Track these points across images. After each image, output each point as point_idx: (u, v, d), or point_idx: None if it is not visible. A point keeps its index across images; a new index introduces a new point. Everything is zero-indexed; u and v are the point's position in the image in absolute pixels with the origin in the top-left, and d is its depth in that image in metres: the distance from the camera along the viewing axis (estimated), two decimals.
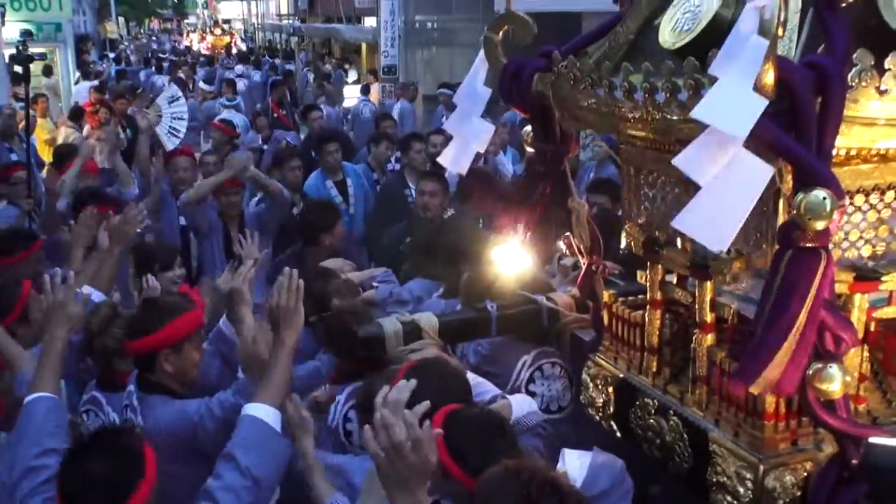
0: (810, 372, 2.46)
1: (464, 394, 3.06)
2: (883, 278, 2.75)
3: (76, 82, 19.91)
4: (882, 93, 2.41)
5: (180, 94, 8.90)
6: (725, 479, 2.80)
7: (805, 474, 2.73)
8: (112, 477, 2.55)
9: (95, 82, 17.10)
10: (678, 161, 2.35)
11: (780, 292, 2.32)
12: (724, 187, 2.29)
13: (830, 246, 2.43)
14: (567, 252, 3.85)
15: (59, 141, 11.06)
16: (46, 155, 11.05)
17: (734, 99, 2.18)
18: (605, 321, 3.52)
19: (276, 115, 13.93)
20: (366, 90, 17.33)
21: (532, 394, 3.89)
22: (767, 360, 2.41)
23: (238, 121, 13.21)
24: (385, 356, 3.69)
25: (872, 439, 2.36)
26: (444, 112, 13.05)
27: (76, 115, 12.59)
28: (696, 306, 3.00)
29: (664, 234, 3.11)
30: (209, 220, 6.41)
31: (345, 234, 6.27)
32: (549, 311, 3.97)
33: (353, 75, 23.54)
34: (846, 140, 2.46)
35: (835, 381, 2.45)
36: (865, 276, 2.73)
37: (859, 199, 2.72)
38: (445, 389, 3.01)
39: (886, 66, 2.40)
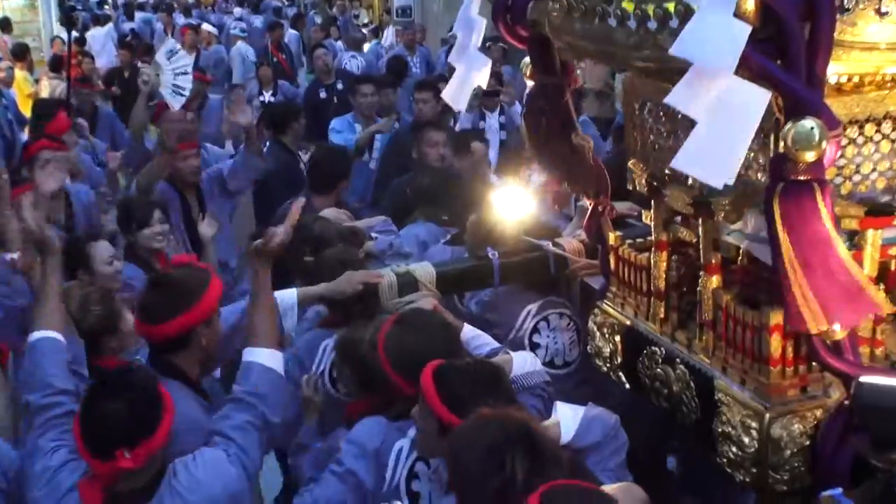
0: None
1: (452, 345, 3.32)
2: None
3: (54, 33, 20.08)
4: (882, 15, 2.60)
5: (179, 46, 8.94)
6: (730, 428, 3.03)
7: (815, 422, 2.95)
8: (132, 415, 2.88)
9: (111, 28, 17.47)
10: (670, 99, 2.55)
11: (776, 230, 2.53)
12: (721, 119, 2.48)
13: (829, 178, 2.64)
14: (573, 192, 4.06)
15: (44, 94, 11.17)
16: (28, 111, 11.08)
17: (715, 30, 2.37)
18: (612, 265, 3.75)
19: (275, 59, 14.00)
20: (375, 34, 17.42)
21: (536, 345, 4.14)
22: (796, 304, 2.62)
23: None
24: (379, 308, 3.95)
25: (866, 379, 2.57)
26: None
27: (57, 64, 12.67)
28: (701, 247, 3.22)
29: (668, 171, 3.31)
30: (160, 192, 6.34)
31: (360, 193, 6.52)
32: (557, 257, 4.20)
33: (364, 17, 23.35)
34: (845, 66, 2.66)
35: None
36: (878, 210, 2.92)
37: (870, 129, 2.91)
38: (433, 340, 3.29)
39: None
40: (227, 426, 3.18)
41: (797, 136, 2.44)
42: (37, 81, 12.80)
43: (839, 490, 2.51)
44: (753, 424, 2.97)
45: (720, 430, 3.08)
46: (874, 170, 2.96)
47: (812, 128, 2.43)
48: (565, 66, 3.73)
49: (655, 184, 3.40)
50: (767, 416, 2.94)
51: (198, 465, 3.05)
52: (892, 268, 3.16)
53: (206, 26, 16.43)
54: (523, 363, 3.59)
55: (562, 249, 4.22)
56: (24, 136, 9.03)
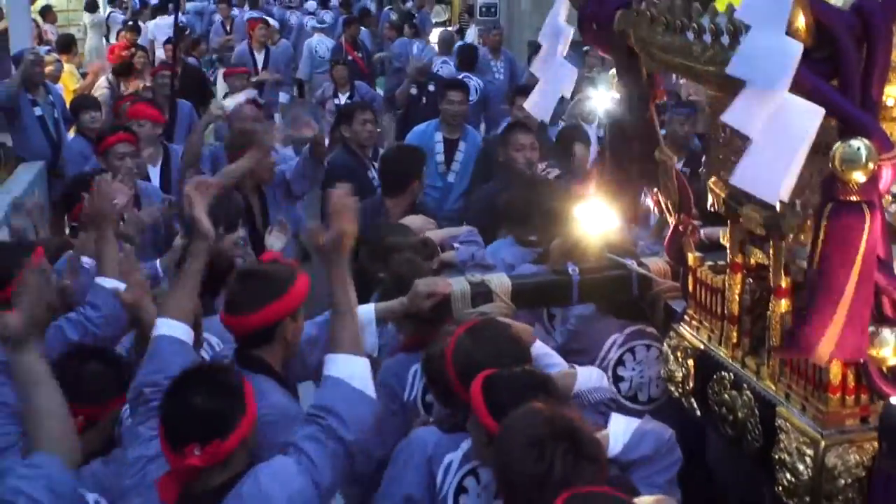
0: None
1: (517, 358, 3.61)
2: None
3: (107, 17, 20.45)
4: None
5: (256, 94, 9.29)
6: (787, 455, 3.27)
7: (873, 454, 3.17)
8: (214, 410, 3.11)
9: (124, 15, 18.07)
10: (726, 117, 2.86)
11: (823, 250, 2.79)
12: (775, 136, 2.77)
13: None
14: (656, 209, 4.33)
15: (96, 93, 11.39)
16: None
17: (767, 48, 2.66)
18: (690, 287, 4.02)
19: (350, 57, 13.96)
20: (461, 34, 17.29)
21: (619, 378, 4.37)
22: (823, 326, 2.89)
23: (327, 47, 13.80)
24: (451, 318, 4.27)
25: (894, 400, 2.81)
26: None
27: (124, 71, 12.60)
28: (771, 269, 3.47)
29: (743, 190, 3.57)
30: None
31: (433, 208, 6.81)
32: (640, 277, 4.46)
33: (440, 14, 22.96)
34: None
35: (887, 346, 2.91)
36: None
37: None
38: (498, 352, 3.60)
39: None
40: (298, 437, 3.31)
41: (844, 155, 2.70)
42: (83, 76, 13.03)
43: None
44: (809, 452, 3.20)
45: (778, 456, 3.32)
46: None
47: (859, 148, 2.69)
48: (651, 78, 4.04)
49: (733, 203, 3.66)
50: (823, 443, 3.17)
51: (266, 473, 3.19)
52: None
53: (270, 21, 16.33)
54: (588, 378, 3.87)
55: (647, 269, 4.48)
56: (70, 134, 9.57)
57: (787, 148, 2.78)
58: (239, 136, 7.00)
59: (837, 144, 2.73)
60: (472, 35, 17.54)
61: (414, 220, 5.55)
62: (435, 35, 16.25)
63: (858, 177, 2.74)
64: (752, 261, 3.69)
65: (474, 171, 7.93)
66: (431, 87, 10.86)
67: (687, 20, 3.37)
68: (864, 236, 2.76)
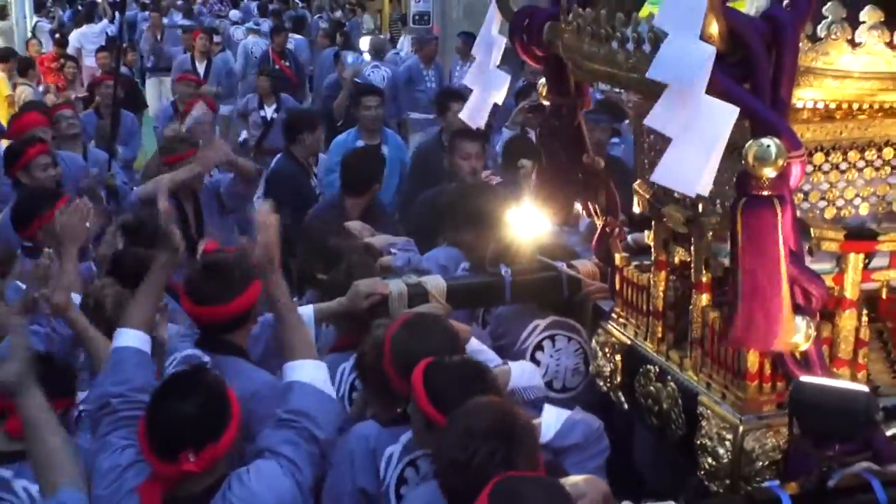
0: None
1: (452, 349, 3.78)
2: (880, 238, 3.41)
3: (33, 26, 20.33)
4: (855, 45, 3.08)
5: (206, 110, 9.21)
6: (708, 440, 3.47)
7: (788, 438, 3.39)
8: (201, 418, 3.17)
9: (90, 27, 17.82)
10: (649, 120, 3.07)
11: (741, 243, 3.01)
12: (693, 134, 2.98)
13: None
14: (583, 213, 4.54)
15: (21, 100, 11.50)
16: (4, 117, 11.31)
17: (683, 52, 2.87)
18: (617, 285, 4.22)
19: (277, 66, 13.94)
20: (393, 42, 17.33)
21: (536, 362, 4.56)
22: (745, 318, 3.10)
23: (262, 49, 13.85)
24: (388, 318, 4.44)
25: (805, 378, 3.03)
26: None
27: (26, 68, 13.01)
28: (693, 266, 3.68)
29: (666, 191, 3.79)
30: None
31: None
32: (570, 279, 4.66)
33: (367, 23, 23.12)
34: (817, 93, 3.14)
35: (798, 333, 3.12)
36: (858, 234, 3.38)
37: (854, 156, 3.39)
38: (433, 342, 3.77)
39: (861, 19, 3.09)
40: (273, 442, 3.41)
41: (756, 153, 2.92)
42: (14, 86, 12.90)
43: (776, 482, 2.96)
44: (728, 436, 3.41)
45: (700, 442, 3.52)
46: (857, 195, 3.43)
47: (769, 146, 2.90)
48: (579, 87, 4.24)
49: (656, 204, 3.87)
50: (741, 428, 3.38)
51: (252, 477, 3.29)
52: (883, 295, 3.60)
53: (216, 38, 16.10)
54: (521, 374, 4.05)
55: (576, 271, 4.68)
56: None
57: (705, 145, 2.98)
58: (178, 142, 7.28)
59: (749, 142, 2.94)
60: (405, 44, 17.63)
61: (353, 225, 5.71)
62: (365, 42, 16.33)
63: (769, 172, 2.95)
64: (676, 259, 3.90)
65: (414, 176, 8.10)
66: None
67: (611, 30, 3.57)
68: (777, 228, 2.96)
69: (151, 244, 5.37)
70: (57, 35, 17.78)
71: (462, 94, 8.52)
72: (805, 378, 3.06)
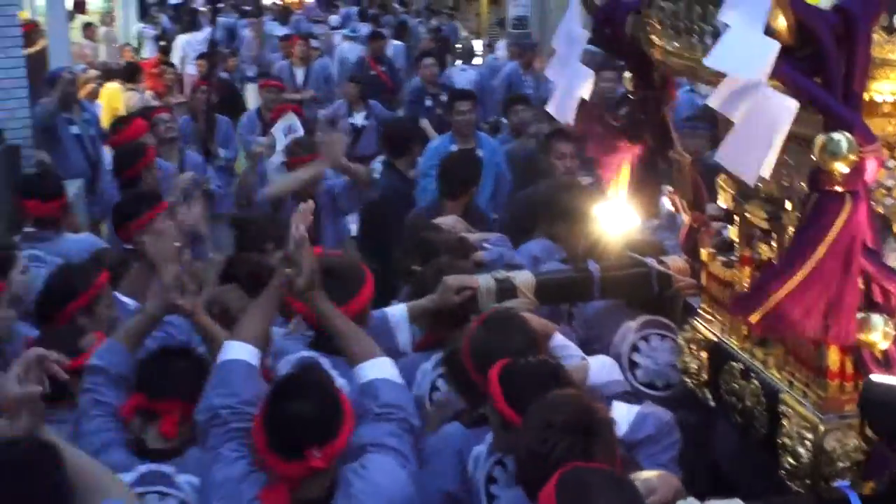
0: None
1: (529, 346, 3.80)
2: None
3: (137, 33, 20.68)
4: None
5: (297, 122, 9.02)
6: (788, 439, 3.43)
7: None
8: (321, 415, 3.22)
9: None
10: (711, 101, 3.04)
11: (798, 233, 2.96)
12: (754, 123, 2.96)
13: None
14: (671, 208, 4.50)
15: (129, 106, 11.68)
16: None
17: (745, 44, 2.84)
18: (703, 281, 4.18)
19: (373, 72, 13.71)
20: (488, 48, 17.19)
21: (635, 364, 4.56)
22: (767, 293, 3.06)
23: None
24: (476, 314, 4.47)
25: (877, 377, 2.96)
26: None
27: (133, 74, 13.09)
28: (777, 261, 3.63)
29: (749, 187, 3.74)
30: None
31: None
32: (660, 275, 4.63)
33: (462, 29, 23.12)
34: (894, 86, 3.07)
35: (875, 331, 3.06)
36: None
37: None
38: (510, 340, 3.79)
39: None
40: (377, 436, 3.46)
41: (826, 146, 2.87)
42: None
43: (846, 482, 2.91)
44: (809, 436, 3.36)
45: (781, 440, 3.48)
46: None
47: (839, 140, 2.85)
48: (664, 80, 4.21)
49: (740, 200, 3.83)
50: (822, 428, 3.32)
51: (370, 470, 3.34)
52: None
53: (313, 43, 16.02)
54: (601, 369, 4.05)
55: (666, 267, 4.65)
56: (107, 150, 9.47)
57: (765, 136, 2.95)
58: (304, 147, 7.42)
59: (819, 136, 2.89)
60: (501, 49, 17.30)
61: (447, 220, 5.76)
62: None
63: (840, 167, 2.90)
64: (759, 255, 3.85)
65: (516, 177, 8.09)
66: (444, 98, 10.82)
67: (689, 23, 3.55)
68: (840, 222, 2.91)
69: (258, 245, 5.57)
70: (161, 42, 18.20)
71: (526, 98, 8.53)
72: (876, 377, 2.99)
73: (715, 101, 3.02)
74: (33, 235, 6.20)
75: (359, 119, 11.34)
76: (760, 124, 2.90)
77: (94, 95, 12.03)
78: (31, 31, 11.49)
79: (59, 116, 9.10)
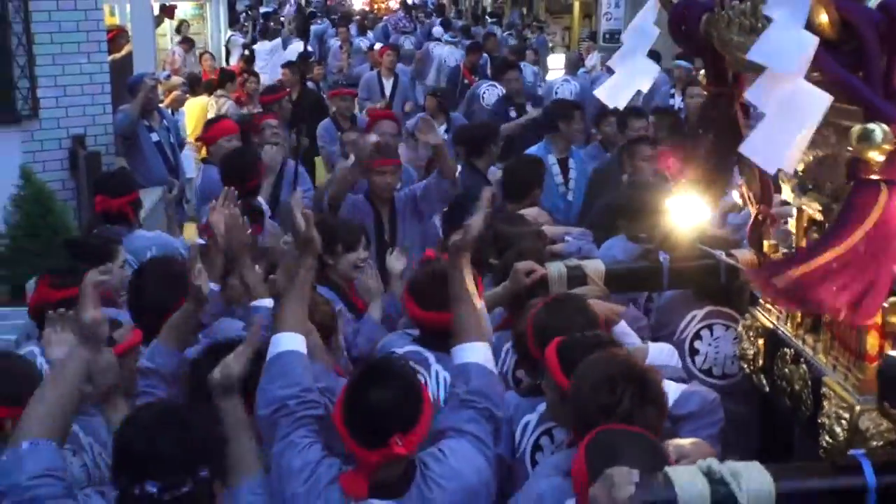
0: (886, 305, 3.27)
1: (588, 328, 4.02)
2: None
3: (227, 41, 21.10)
4: None
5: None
6: (826, 419, 3.61)
7: None
8: (403, 403, 3.33)
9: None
10: (748, 94, 3.26)
11: (837, 218, 3.16)
12: (786, 115, 3.14)
13: None
14: (739, 202, 4.69)
15: (213, 114, 11.84)
16: (194, 133, 11.75)
17: (785, 39, 3.05)
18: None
19: (466, 80, 14.00)
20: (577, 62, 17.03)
21: (695, 351, 4.77)
22: (791, 266, 3.24)
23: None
24: None
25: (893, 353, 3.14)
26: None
27: (225, 81, 13.43)
28: None
29: (806, 180, 3.94)
30: (353, 204, 6.89)
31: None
32: (728, 267, 4.83)
33: (551, 42, 23.48)
34: None
35: None
36: None
37: None
38: (569, 320, 4.04)
39: None
40: (459, 421, 3.62)
41: (860, 135, 3.06)
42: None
43: (862, 451, 3.10)
44: (845, 416, 3.53)
45: (820, 420, 3.66)
46: None
47: (874, 129, 3.04)
48: (737, 77, 4.41)
49: (797, 192, 4.02)
50: (858, 408, 3.48)
51: (447, 455, 3.48)
52: None
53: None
54: (658, 354, 4.27)
55: (735, 260, 4.84)
56: (192, 153, 10.00)
57: (794, 127, 3.14)
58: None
59: (856, 126, 3.09)
60: (594, 61, 17.53)
61: (530, 212, 6.03)
62: (556, 60, 16.64)
63: (875, 156, 3.09)
64: None
65: (595, 190, 8.14)
66: (529, 108, 11.07)
67: (755, 21, 3.75)
68: (878, 209, 3.09)
69: (329, 247, 5.44)
70: (245, 51, 18.47)
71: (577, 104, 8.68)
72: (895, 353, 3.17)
73: (752, 94, 3.23)
74: (106, 232, 6.36)
75: (440, 132, 11.13)
76: (791, 117, 3.09)
77: (179, 103, 12.28)
78: (117, 36, 11.70)
79: (139, 124, 9.23)
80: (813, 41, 3.05)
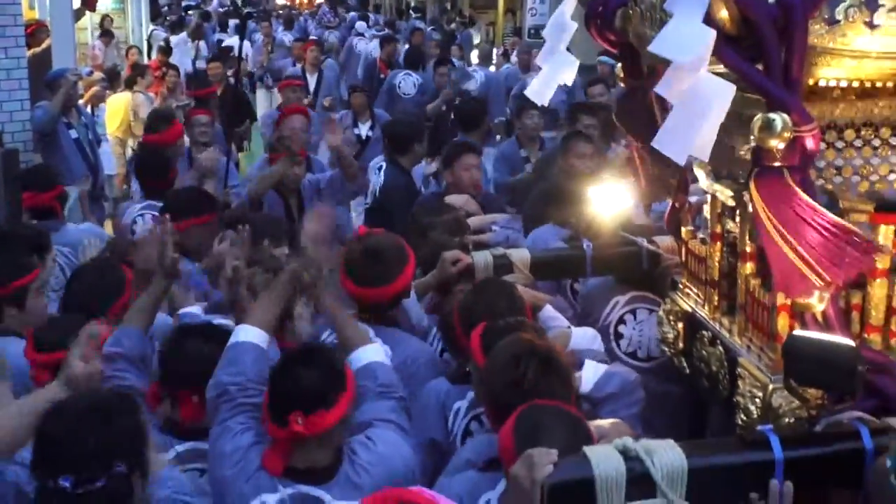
0: None
1: (511, 311, 4.17)
2: None
3: (149, 35, 21.16)
4: (873, 27, 3.34)
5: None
6: (741, 398, 3.76)
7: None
8: (319, 383, 3.45)
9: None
10: (658, 88, 3.40)
11: (754, 208, 3.31)
12: (692, 106, 3.29)
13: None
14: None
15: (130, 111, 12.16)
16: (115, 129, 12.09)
17: (685, 33, 3.20)
18: (682, 257, 4.53)
19: (383, 76, 14.08)
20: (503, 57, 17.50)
21: (620, 335, 4.93)
22: (785, 267, 3.37)
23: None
24: None
25: (799, 332, 3.30)
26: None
27: (137, 76, 13.47)
28: (738, 236, 3.98)
29: (722, 167, 4.09)
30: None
31: None
32: (650, 253, 4.99)
33: (475, 37, 23.67)
34: (836, 72, 3.41)
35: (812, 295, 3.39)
36: (887, 207, 3.62)
37: (886, 133, 3.63)
38: (495, 304, 4.18)
39: (880, 2, 3.34)
40: (381, 412, 3.79)
41: (760, 124, 3.21)
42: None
43: (770, 426, 3.26)
44: (758, 394, 3.68)
45: (736, 399, 3.81)
46: (892, 171, 3.66)
47: (774, 119, 3.19)
48: (651, 71, 4.55)
49: (712, 180, 4.17)
50: (770, 387, 3.64)
51: (376, 443, 3.62)
52: None
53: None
54: (582, 338, 4.42)
55: (656, 246, 5.00)
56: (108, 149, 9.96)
57: (701, 118, 3.27)
58: (277, 142, 7.73)
59: (757, 116, 3.24)
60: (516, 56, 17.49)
61: (457, 199, 6.14)
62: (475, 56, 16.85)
63: (776, 144, 3.24)
64: (728, 231, 4.20)
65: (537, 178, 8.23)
66: (456, 102, 11.24)
67: (664, 14, 3.89)
68: (794, 191, 3.24)
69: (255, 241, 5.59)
70: (162, 44, 18.45)
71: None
72: (798, 331, 3.33)
73: (661, 87, 3.37)
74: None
75: (364, 130, 11.36)
76: (697, 107, 3.24)
77: (99, 99, 12.27)
78: (36, 31, 11.42)
79: (58, 120, 9.11)
80: (711, 34, 3.20)
